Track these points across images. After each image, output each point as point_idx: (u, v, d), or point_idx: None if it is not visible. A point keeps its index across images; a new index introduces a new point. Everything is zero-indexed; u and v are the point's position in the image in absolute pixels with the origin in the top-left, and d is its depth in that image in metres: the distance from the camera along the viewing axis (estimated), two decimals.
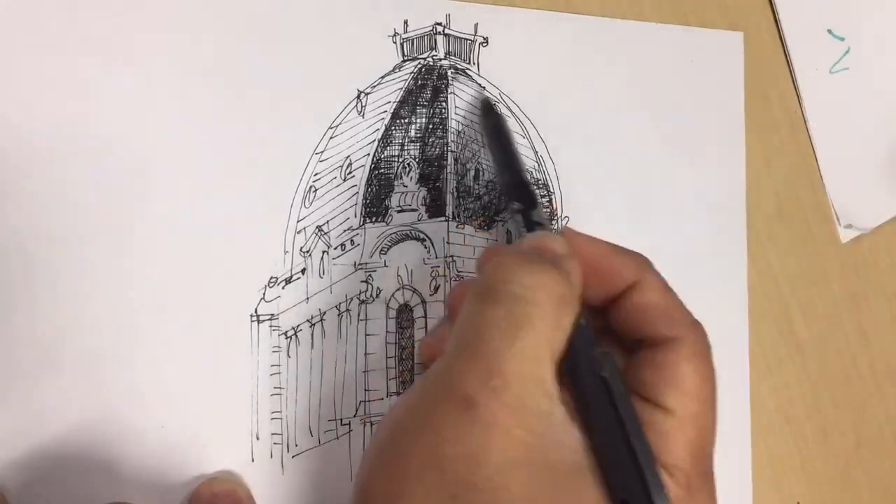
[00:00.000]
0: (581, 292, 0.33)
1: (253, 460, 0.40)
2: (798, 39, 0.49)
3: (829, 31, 0.50)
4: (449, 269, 0.43)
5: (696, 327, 0.34)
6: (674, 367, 0.32)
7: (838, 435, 0.48)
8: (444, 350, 0.32)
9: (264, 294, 0.41)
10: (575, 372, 0.32)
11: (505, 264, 0.32)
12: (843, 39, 0.50)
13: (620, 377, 0.32)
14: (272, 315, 0.41)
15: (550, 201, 0.45)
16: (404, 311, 0.43)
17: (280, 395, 0.40)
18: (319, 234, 0.41)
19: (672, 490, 0.30)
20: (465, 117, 0.44)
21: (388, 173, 0.43)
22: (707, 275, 0.46)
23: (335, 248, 0.42)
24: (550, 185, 0.45)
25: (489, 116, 0.42)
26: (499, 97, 0.44)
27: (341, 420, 0.41)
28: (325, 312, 0.41)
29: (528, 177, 0.40)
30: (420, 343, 0.42)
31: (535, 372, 0.30)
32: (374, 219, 0.42)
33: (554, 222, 0.45)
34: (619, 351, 0.35)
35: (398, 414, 0.32)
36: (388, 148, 0.43)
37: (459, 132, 0.44)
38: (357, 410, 0.41)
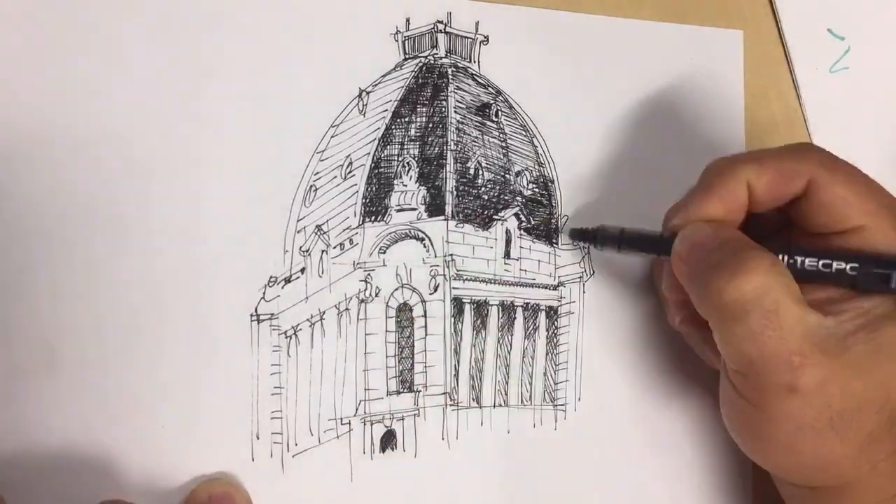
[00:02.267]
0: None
1: (253, 460, 0.40)
2: (798, 39, 0.49)
3: (830, 31, 0.50)
4: (448, 268, 0.43)
5: (882, 211, 0.37)
6: (834, 199, 0.37)
7: None
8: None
9: (264, 293, 0.41)
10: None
11: (714, 286, 0.35)
12: (843, 39, 0.50)
13: None
14: (272, 314, 0.41)
15: (550, 198, 0.45)
16: (404, 310, 0.43)
17: (280, 394, 0.40)
18: (319, 233, 0.41)
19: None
20: (464, 116, 0.44)
21: (387, 172, 0.43)
22: None
23: (334, 248, 0.42)
24: (550, 183, 0.45)
25: (594, 238, 0.43)
26: (498, 95, 0.44)
27: (341, 419, 0.41)
28: (324, 312, 0.41)
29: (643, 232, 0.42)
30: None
31: (807, 333, 0.35)
32: (373, 218, 0.42)
33: (553, 220, 0.45)
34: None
35: (740, 422, 0.38)
36: (389, 147, 0.43)
37: (459, 131, 0.44)
38: (357, 409, 0.41)
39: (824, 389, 0.34)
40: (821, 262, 0.37)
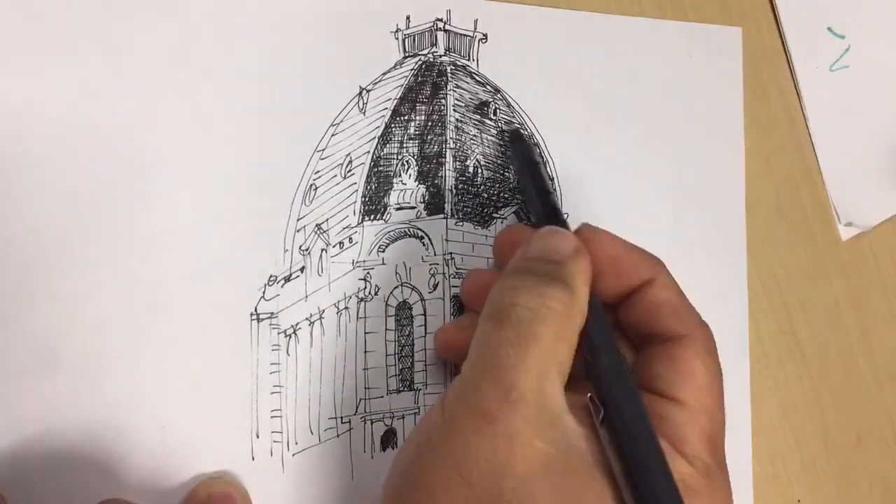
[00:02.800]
0: (590, 290, 0.35)
1: (253, 458, 0.40)
2: (798, 37, 0.49)
3: (830, 29, 0.50)
4: (447, 266, 0.43)
5: (705, 327, 0.36)
6: (686, 362, 0.35)
7: (839, 433, 0.48)
8: (460, 340, 0.37)
9: (264, 292, 0.41)
10: (591, 366, 0.34)
11: (511, 288, 0.34)
12: (843, 37, 0.50)
13: (629, 372, 0.34)
14: (272, 313, 0.41)
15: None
16: (403, 308, 0.43)
17: (280, 393, 0.40)
18: (318, 231, 0.41)
19: (693, 479, 0.32)
20: (463, 114, 0.44)
21: (387, 171, 0.43)
22: (707, 273, 0.46)
23: (334, 247, 0.42)
24: (550, 180, 0.45)
25: (519, 145, 0.42)
26: (496, 93, 0.44)
27: (341, 418, 0.41)
28: (324, 310, 0.41)
29: (557, 201, 0.41)
30: (438, 333, 0.42)
31: (546, 384, 0.32)
32: (372, 216, 0.42)
33: None
34: (628, 347, 0.38)
35: (421, 433, 0.34)
36: (388, 145, 0.43)
37: (458, 129, 0.44)
38: (357, 408, 0.41)
39: (510, 449, 0.31)
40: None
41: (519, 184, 0.43)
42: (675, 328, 0.36)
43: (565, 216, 0.45)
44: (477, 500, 0.30)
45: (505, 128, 0.44)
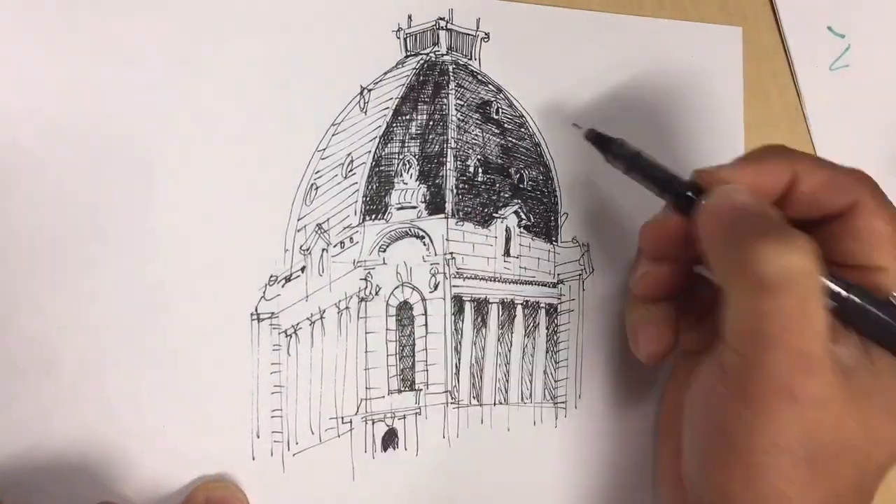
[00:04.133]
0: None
1: (254, 458, 0.40)
2: (798, 36, 0.49)
3: (830, 28, 0.50)
4: (448, 266, 0.43)
5: (866, 180, 0.36)
6: (868, 227, 0.35)
7: None
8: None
9: (264, 292, 0.40)
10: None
11: (740, 248, 0.33)
12: (843, 36, 0.50)
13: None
14: (272, 313, 0.40)
15: (550, 196, 0.45)
16: (404, 308, 0.42)
17: (280, 393, 0.40)
18: (319, 231, 0.41)
19: None
20: (465, 114, 0.44)
21: (388, 170, 0.43)
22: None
23: (334, 246, 0.42)
24: (550, 180, 0.45)
25: (610, 145, 0.41)
26: (499, 92, 0.44)
27: (342, 418, 0.41)
28: (324, 310, 0.41)
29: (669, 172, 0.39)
30: (633, 282, 0.41)
31: (825, 345, 0.32)
32: (373, 216, 0.42)
33: (553, 218, 0.45)
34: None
35: (710, 416, 0.35)
36: (389, 145, 0.43)
37: (459, 129, 0.44)
38: (358, 408, 0.41)
39: (823, 411, 0.32)
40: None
41: (639, 178, 0.40)
42: (839, 201, 0.36)
43: (565, 216, 0.45)
44: (810, 469, 0.32)
45: (581, 128, 0.42)
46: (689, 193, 0.38)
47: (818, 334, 0.32)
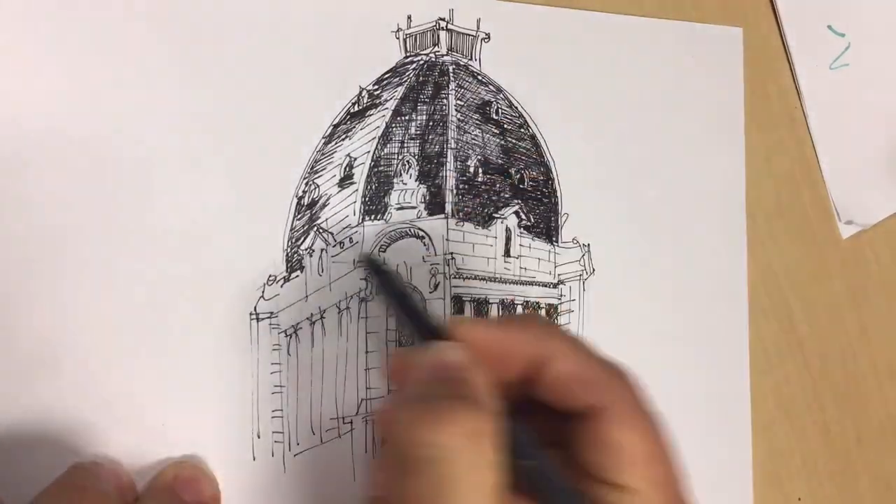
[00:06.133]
0: (491, 394, 0.31)
1: (254, 458, 0.40)
2: (798, 35, 0.49)
3: (830, 27, 0.50)
4: (448, 266, 0.43)
5: (617, 380, 0.32)
6: (612, 440, 0.31)
7: (839, 431, 0.48)
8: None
9: (263, 292, 0.40)
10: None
11: (405, 423, 0.29)
12: (843, 35, 0.50)
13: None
14: (271, 313, 0.40)
15: (550, 196, 0.45)
16: None
17: (281, 393, 0.40)
18: (319, 231, 0.41)
19: None
20: (465, 114, 0.44)
21: (387, 171, 0.43)
22: (707, 271, 0.46)
23: (334, 246, 0.42)
24: (550, 181, 0.45)
25: (376, 273, 0.37)
26: (499, 92, 0.44)
27: (343, 418, 0.41)
28: (324, 310, 0.41)
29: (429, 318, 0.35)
30: (394, 356, 0.39)
31: None
32: (373, 216, 0.42)
33: (554, 218, 0.45)
34: (557, 419, 0.33)
35: None
36: (389, 145, 0.43)
37: (459, 129, 0.44)
38: (359, 408, 0.41)
39: None
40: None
41: (388, 308, 0.39)
42: (584, 400, 0.31)
43: (566, 216, 0.45)
44: None
45: (357, 259, 0.41)
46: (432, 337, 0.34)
47: None
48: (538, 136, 0.45)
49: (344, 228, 0.42)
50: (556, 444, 0.33)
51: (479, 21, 0.44)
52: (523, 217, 0.44)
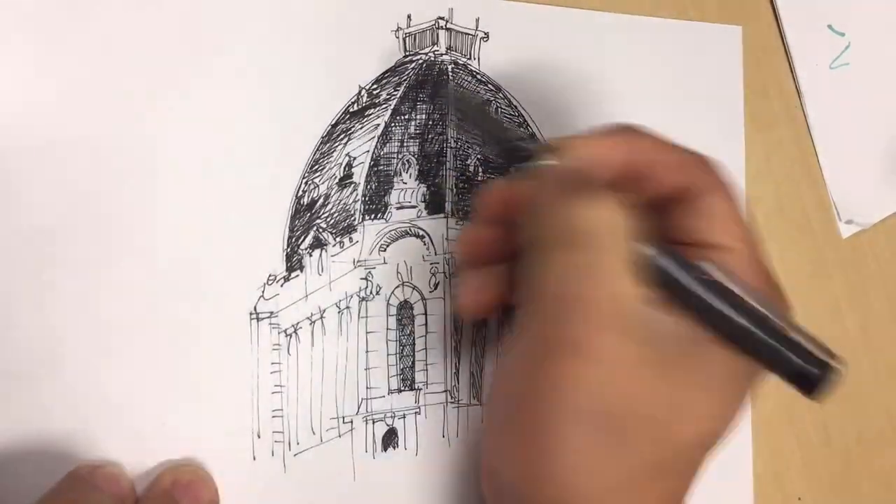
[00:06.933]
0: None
1: (254, 458, 0.40)
2: (798, 34, 0.49)
3: (830, 27, 0.50)
4: (448, 265, 0.43)
5: (705, 163, 0.35)
6: (709, 207, 0.34)
7: (839, 431, 0.48)
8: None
9: (263, 292, 0.40)
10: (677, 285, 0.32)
11: (554, 204, 0.32)
12: (843, 35, 0.50)
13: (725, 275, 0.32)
14: (271, 313, 0.40)
15: None
16: (404, 307, 0.42)
17: (281, 392, 0.40)
18: (318, 231, 0.41)
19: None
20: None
21: (387, 170, 0.43)
22: None
23: (334, 246, 0.42)
24: None
25: (452, 95, 0.40)
26: (498, 91, 0.44)
27: (343, 418, 0.41)
28: (324, 310, 0.41)
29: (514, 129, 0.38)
30: (460, 242, 0.40)
31: (627, 302, 0.30)
32: (373, 216, 0.42)
33: None
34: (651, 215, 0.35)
35: (508, 390, 0.32)
36: (388, 144, 0.43)
37: (459, 128, 0.44)
38: (359, 408, 0.41)
39: (614, 372, 0.29)
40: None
41: (483, 136, 0.39)
42: (682, 181, 0.34)
43: None
44: (611, 426, 0.29)
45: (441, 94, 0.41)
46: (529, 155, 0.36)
47: (617, 292, 0.30)
48: (537, 135, 0.45)
49: (344, 228, 0.42)
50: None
51: (478, 20, 0.44)
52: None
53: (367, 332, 0.42)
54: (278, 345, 0.40)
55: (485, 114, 0.38)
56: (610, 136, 0.35)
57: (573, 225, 0.31)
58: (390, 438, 0.42)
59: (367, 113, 0.42)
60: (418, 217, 0.43)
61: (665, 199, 0.35)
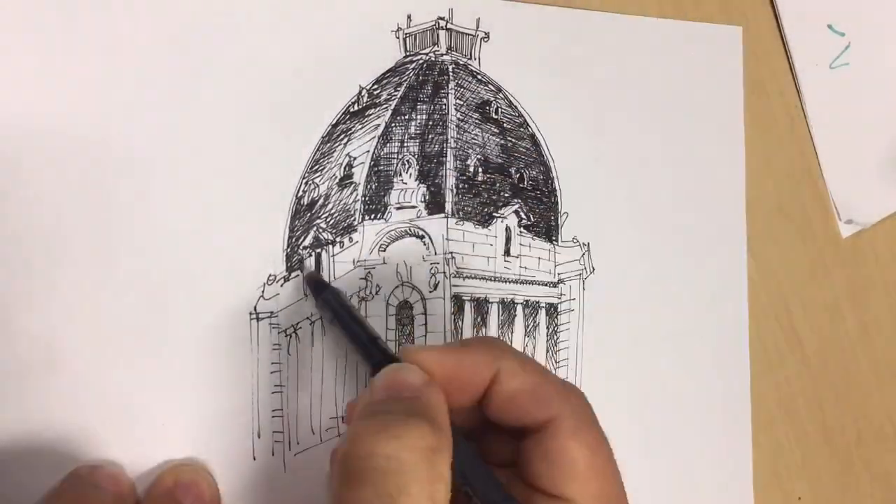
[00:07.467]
0: (447, 413, 0.31)
1: (254, 458, 0.40)
2: (798, 34, 0.49)
3: (830, 27, 0.50)
4: (448, 265, 0.43)
5: (569, 395, 0.34)
6: (560, 452, 0.32)
7: (839, 430, 0.48)
8: None
9: (263, 292, 0.40)
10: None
11: (360, 435, 0.29)
12: (843, 35, 0.50)
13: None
14: (271, 313, 0.40)
15: (550, 195, 0.45)
16: (404, 307, 0.42)
17: (281, 392, 0.40)
18: (318, 231, 0.41)
19: None
20: (465, 113, 0.44)
21: (387, 170, 0.43)
22: (707, 270, 0.46)
23: (334, 246, 0.42)
24: (550, 180, 0.45)
25: (325, 293, 0.39)
26: (499, 91, 0.44)
27: (343, 418, 0.41)
28: None
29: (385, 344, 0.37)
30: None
31: None
32: (373, 216, 0.42)
33: (553, 217, 0.45)
34: (507, 439, 0.35)
35: None
36: (388, 145, 0.43)
37: (459, 128, 0.44)
38: None
39: None
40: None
41: (341, 332, 0.38)
42: (536, 415, 0.33)
43: (565, 215, 0.45)
44: None
45: (303, 274, 0.41)
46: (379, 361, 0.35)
47: None
48: (538, 135, 0.45)
49: (344, 228, 0.42)
50: (509, 463, 0.34)
51: (478, 20, 0.44)
52: (523, 216, 0.44)
53: None
54: (278, 344, 0.41)
55: (352, 316, 0.38)
56: (475, 353, 0.34)
57: (373, 454, 0.29)
58: None
59: (367, 113, 0.42)
60: (418, 217, 0.43)
61: (525, 431, 0.34)
